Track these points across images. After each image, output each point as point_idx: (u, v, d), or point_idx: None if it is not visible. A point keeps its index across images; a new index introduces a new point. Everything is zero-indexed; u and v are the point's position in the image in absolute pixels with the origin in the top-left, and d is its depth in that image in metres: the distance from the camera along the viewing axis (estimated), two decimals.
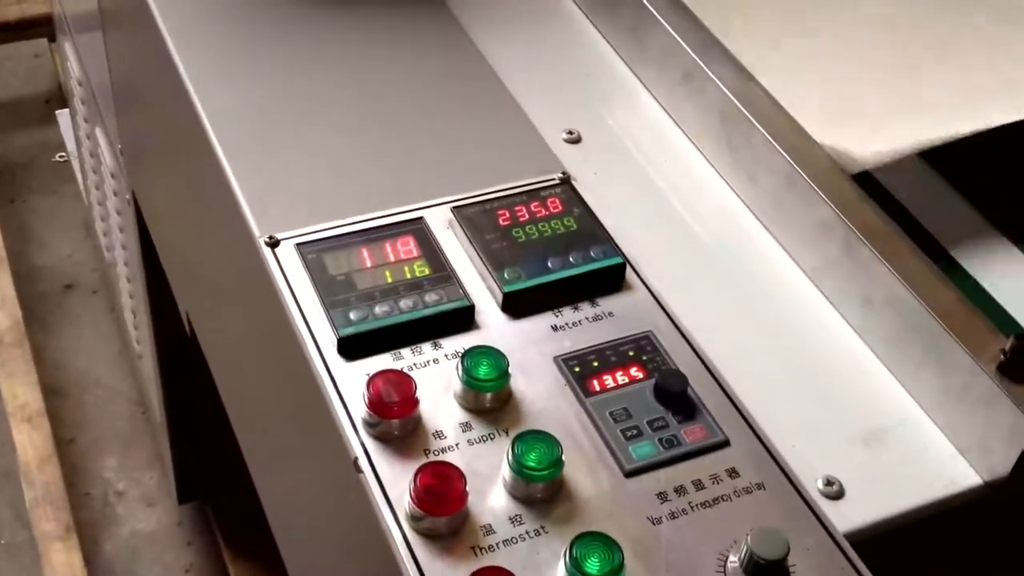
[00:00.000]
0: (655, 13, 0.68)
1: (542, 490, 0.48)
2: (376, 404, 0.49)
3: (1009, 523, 0.53)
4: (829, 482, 0.51)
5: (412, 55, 0.70)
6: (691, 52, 0.65)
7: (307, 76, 0.68)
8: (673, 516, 0.48)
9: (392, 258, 0.56)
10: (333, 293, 0.54)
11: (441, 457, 0.49)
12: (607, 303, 0.56)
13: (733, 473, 0.50)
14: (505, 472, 0.48)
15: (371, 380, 0.49)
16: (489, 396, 0.50)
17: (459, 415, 0.50)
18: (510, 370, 0.51)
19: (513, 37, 0.72)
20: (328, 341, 0.52)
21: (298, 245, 0.56)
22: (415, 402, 0.49)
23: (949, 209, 0.65)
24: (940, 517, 0.51)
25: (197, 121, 0.64)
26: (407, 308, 0.53)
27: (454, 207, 0.59)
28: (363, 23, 0.72)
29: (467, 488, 0.47)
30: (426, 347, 0.53)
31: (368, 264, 0.55)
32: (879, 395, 0.55)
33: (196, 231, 0.77)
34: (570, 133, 0.66)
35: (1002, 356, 0.50)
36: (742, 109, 0.62)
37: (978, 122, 0.63)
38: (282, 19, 0.71)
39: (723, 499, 0.49)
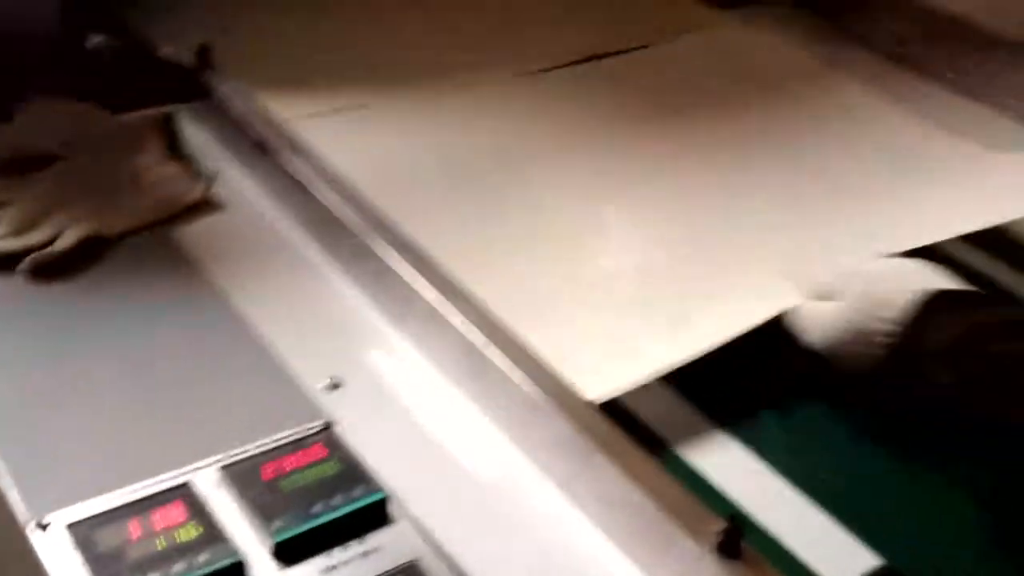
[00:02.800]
0: (397, 262, 0.75)
1: None
2: None
3: None
4: None
5: (171, 324, 0.74)
6: (434, 294, 0.72)
7: (65, 354, 0.71)
8: None
9: (161, 526, 0.59)
10: (105, 570, 0.56)
11: None
12: (375, 538, 0.60)
13: None
14: None
15: None
16: None
17: None
18: None
19: (268, 295, 0.78)
20: None
21: (68, 526, 0.58)
22: None
23: (669, 407, 0.73)
24: None
25: None
26: (178, 573, 0.56)
27: (222, 467, 0.62)
28: (119, 298, 0.76)
29: None
30: None
31: (138, 535, 0.58)
32: None
33: None
34: (331, 380, 0.72)
35: (719, 537, 0.57)
36: (486, 345, 0.69)
37: (705, 343, 0.73)
38: (37, 301, 0.75)
39: None
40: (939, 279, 0.76)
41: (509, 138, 0.99)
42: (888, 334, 0.73)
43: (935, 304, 0.73)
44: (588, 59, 1.12)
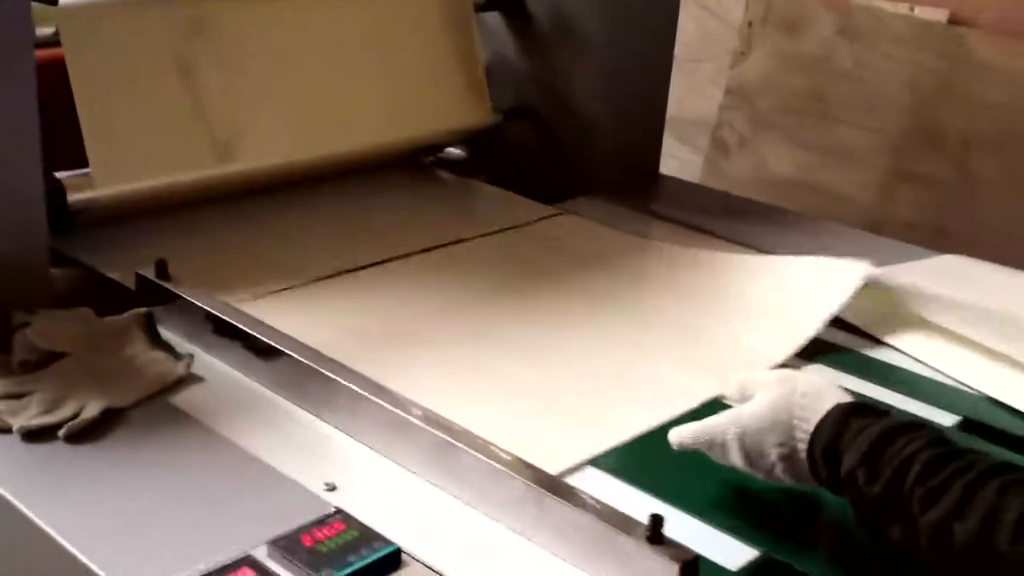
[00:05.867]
0: (354, 393, 0.98)
1: None
2: None
3: None
4: None
5: (190, 457, 0.94)
6: (397, 411, 0.95)
7: (125, 486, 0.90)
8: None
9: None
10: None
11: None
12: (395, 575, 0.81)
13: None
14: None
15: None
16: None
17: None
18: None
19: (258, 431, 0.99)
20: None
21: None
22: None
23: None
24: None
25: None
26: None
27: (270, 542, 0.82)
28: (145, 448, 0.96)
29: None
30: None
31: None
32: None
33: None
34: (326, 484, 0.92)
35: (647, 532, 0.80)
36: (448, 444, 0.92)
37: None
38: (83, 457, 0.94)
39: None
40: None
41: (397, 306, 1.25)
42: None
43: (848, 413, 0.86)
44: (444, 245, 1.40)
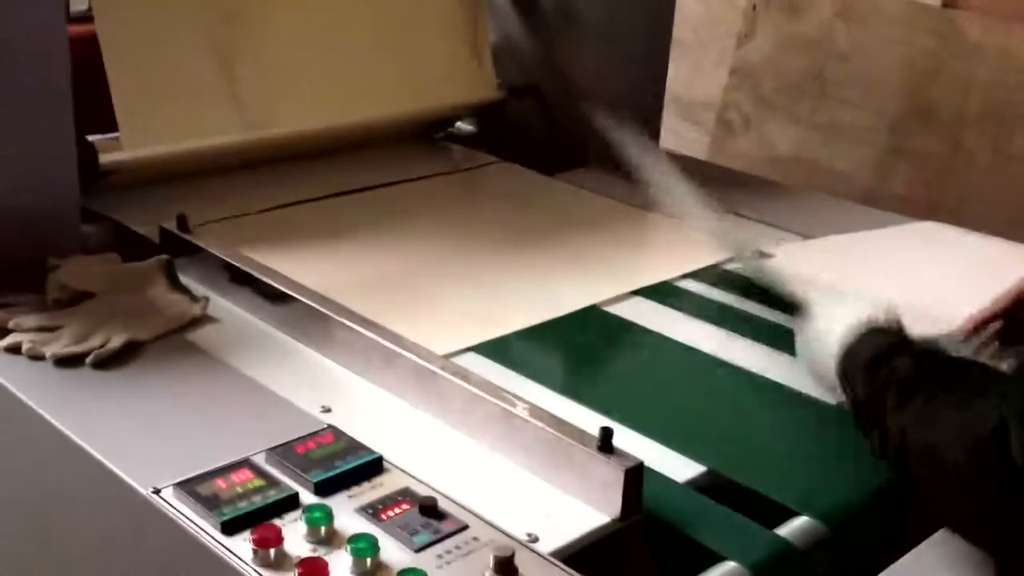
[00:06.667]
0: (346, 327, 1.09)
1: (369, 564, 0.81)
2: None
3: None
4: (529, 534, 0.87)
5: (204, 383, 1.06)
6: (385, 343, 1.06)
7: (146, 400, 1.02)
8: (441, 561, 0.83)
9: (238, 480, 0.89)
10: (208, 503, 0.86)
11: None
12: (377, 479, 0.92)
13: (474, 539, 0.85)
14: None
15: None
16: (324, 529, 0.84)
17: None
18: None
19: (266, 363, 1.11)
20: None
21: (176, 484, 0.88)
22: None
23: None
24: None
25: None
26: (257, 501, 0.87)
27: (269, 449, 0.93)
28: (164, 374, 1.07)
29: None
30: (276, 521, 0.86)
31: (224, 487, 0.88)
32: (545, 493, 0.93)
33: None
34: (322, 406, 1.04)
35: (598, 442, 0.91)
36: (434, 373, 1.03)
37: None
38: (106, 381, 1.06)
39: (470, 552, 0.84)
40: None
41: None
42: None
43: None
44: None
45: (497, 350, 1.17)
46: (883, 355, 0.95)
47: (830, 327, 1.02)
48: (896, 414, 0.89)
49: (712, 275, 1.40)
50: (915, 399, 0.89)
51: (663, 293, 1.35)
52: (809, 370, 1.07)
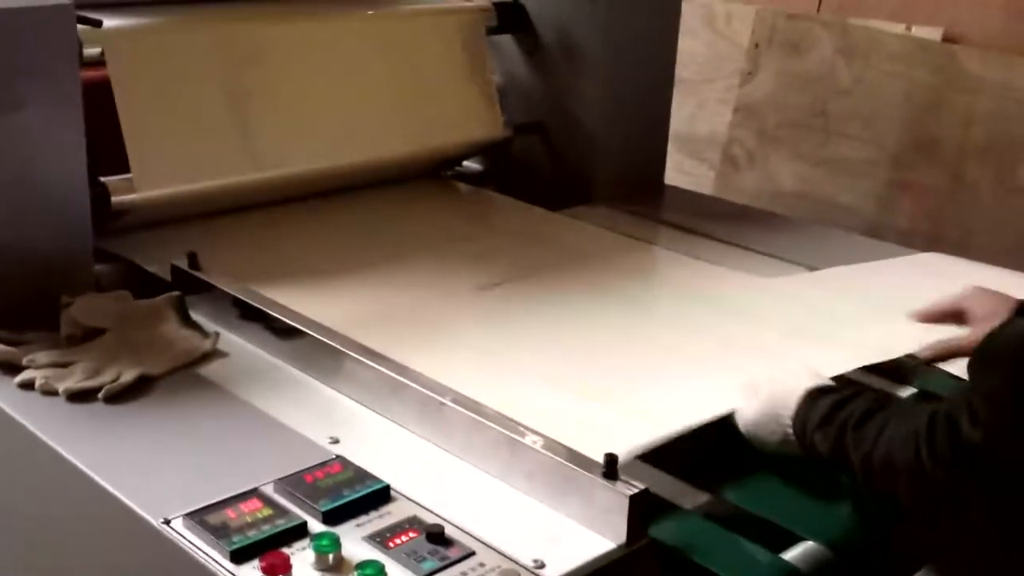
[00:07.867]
0: (360, 358, 1.11)
1: None
2: None
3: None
4: (536, 560, 0.88)
5: (215, 416, 1.08)
6: (392, 375, 1.08)
7: (155, 433, 1.03)
8: None
9: (248, 510, 0.90)
10: (217, 531, 0.87)
11: None
12: (385, 508, 0.93)
13: (480, 566, 0.86)
14: None
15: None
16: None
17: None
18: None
19: (275, 396, 1.12)
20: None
21: (186, 515, 0.90)
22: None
23: None
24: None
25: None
26: (267, 529, 0.88)
27: (278, 480, 0.95)
28: (174, 408, 1.09)
29: None
30: (284, 549, 0.87)
31: (234, 516, 0.90)
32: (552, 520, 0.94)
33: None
34: (330, 438, 1.05)
35: (603, 469, 0.92)
36: (442, 405, 1.05)
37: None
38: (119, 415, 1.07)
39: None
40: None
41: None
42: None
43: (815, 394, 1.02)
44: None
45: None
46: (828, 413, 0.99)
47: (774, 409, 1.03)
48: (857, 448, 0.95)
49: None
50: (869, 430, 0.95)
51: None
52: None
